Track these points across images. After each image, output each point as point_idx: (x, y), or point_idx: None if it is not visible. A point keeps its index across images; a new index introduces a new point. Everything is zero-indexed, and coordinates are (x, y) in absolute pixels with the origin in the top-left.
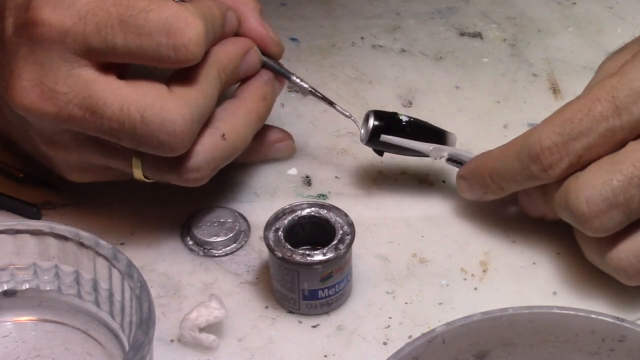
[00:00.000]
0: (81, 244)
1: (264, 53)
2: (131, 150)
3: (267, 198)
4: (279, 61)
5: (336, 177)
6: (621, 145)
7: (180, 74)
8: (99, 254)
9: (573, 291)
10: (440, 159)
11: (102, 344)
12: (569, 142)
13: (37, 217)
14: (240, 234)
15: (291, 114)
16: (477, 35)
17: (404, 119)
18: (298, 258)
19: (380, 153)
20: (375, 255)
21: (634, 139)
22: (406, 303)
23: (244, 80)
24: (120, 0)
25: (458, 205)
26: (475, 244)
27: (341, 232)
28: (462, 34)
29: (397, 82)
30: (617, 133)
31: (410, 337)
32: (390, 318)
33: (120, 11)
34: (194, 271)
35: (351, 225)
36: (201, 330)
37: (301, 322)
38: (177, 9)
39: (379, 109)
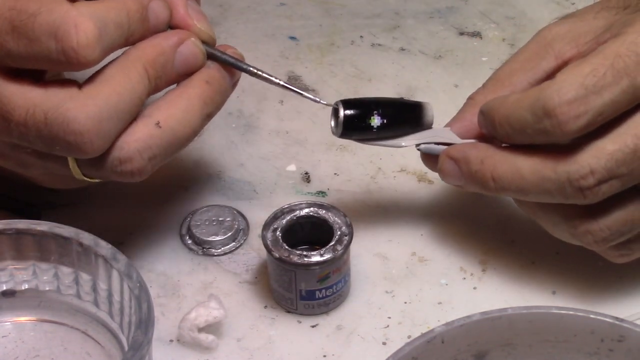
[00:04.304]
0: (80, 244)
1: (207, 44)
2: None
3: (266, 195)
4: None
5: (335, 173)
6: (634, 104)
7: (98, 72)
8: (98, 254)
9: (572, 291)
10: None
11: (102, 344)
12: (591, 97)
13: (37, 217)
14: (239, 232)
15: (290, 110)
16: (477, 34)
17: (376, 121)
18: (295, 259)
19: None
20: (374, 254)
21: None
22: (405, 302)
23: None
24: (15, 4)
25: (458, 203)
26: (475, 243)
27: (339, 232)
28: (462, 34)
29: (396, 80)
30: (637, 91)
31: (409, 336)
32: (390, 318)
33: (13, 16)
34: (193, 271)
35: (349, 225)
36: (200, 330)
37: (300, 322)
38: (67, 11)
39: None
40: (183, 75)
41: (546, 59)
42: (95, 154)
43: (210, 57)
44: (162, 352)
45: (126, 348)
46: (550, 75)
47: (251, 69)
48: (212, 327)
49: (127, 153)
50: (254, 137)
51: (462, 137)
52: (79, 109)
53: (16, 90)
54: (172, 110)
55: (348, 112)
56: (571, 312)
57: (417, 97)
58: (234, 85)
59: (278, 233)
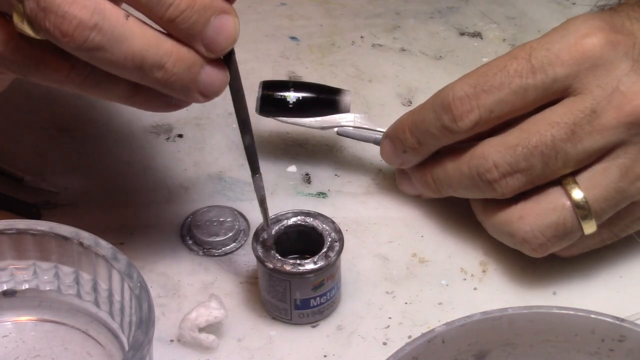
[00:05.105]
0: (81, 244)
1: None
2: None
3: (266, 196)
4: None
5: (336, 175)
6: (533, 106)
7: None
8: (99, 254)
9: (573, 291)
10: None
11: (102, 344)
12: (481, 95)
13: (37, 217)
14: (240, 233)
15: None
16: (477, 35)
17: (292, 97)
18: (289, 268)
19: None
20: (374, 254)
21: (549, 103)
22: (406, 303)
23: None
24: None
25: (458, 204)
26: (475, 244)
27: (330, 239)
28: (462, 34)
29: (396, 81)
30: (530, 92)
31: (410, 337)
32: (390, 318)
33: None
34: (193, 271)
35: (339, 232)
36: (201, 330)
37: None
38: None
39: (377, 105)
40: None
41: None
42: None
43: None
44: (163, 352)
45: (127, 348)
46: None
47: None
48: (212, 327)
49: None
50: (255, 137)
51: None
52: None
53: None
54: None
55: (266, 90)
56: (572, 312)
57: (417, 98)
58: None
59: (269, 244)
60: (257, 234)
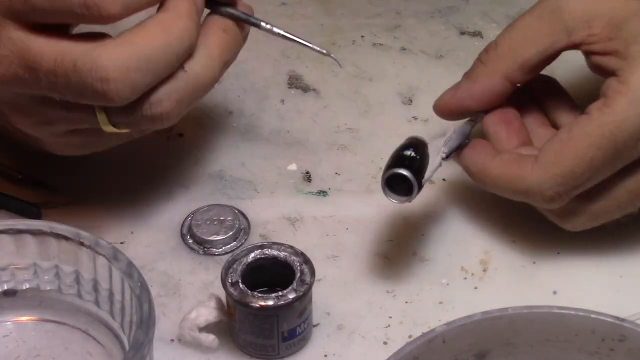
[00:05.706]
0: (81, 244)
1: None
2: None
3: (266, 194)
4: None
5: (336, 173)
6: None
7: (139, 23)
8: (99, 254)
9: (573, 291)
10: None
11: (102, 344)
12: (572, 192)
13: (37, 217)
14: (240, 231)
15: (291, 109)
16: (478, 34)
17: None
18: (273, 302)
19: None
20: (375, 253)
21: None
22: (406, 302)
23: None
24: None
25: (458, 203)
26: (476, 243)
27: (297, 264)
28: (463, 33)
29: (397, 80)
30: (614, 170)
31: (410, 336)
32: (391, 317)
33: None
34: (194, 270)
35: (301, 254)
36: (201, 329)
37: None
38: None
39: (377, 103)
40: None
41: (558, 36)
42: (122, 102)
43: (226, 14)
44: (163, 351)
45: (127, 348)
46: (559, 53)
47: (262, 23)
48: (212, 327)
49: (157, 95)
50: (255, 136)
51: (479, 101)
52: (107, 55)
53: (45, 41)
54: (195, 56)
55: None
56: (572, 312)
57: (418, 97)
58: (244, 37)
59: (241, 285)
60: (224, 280)
